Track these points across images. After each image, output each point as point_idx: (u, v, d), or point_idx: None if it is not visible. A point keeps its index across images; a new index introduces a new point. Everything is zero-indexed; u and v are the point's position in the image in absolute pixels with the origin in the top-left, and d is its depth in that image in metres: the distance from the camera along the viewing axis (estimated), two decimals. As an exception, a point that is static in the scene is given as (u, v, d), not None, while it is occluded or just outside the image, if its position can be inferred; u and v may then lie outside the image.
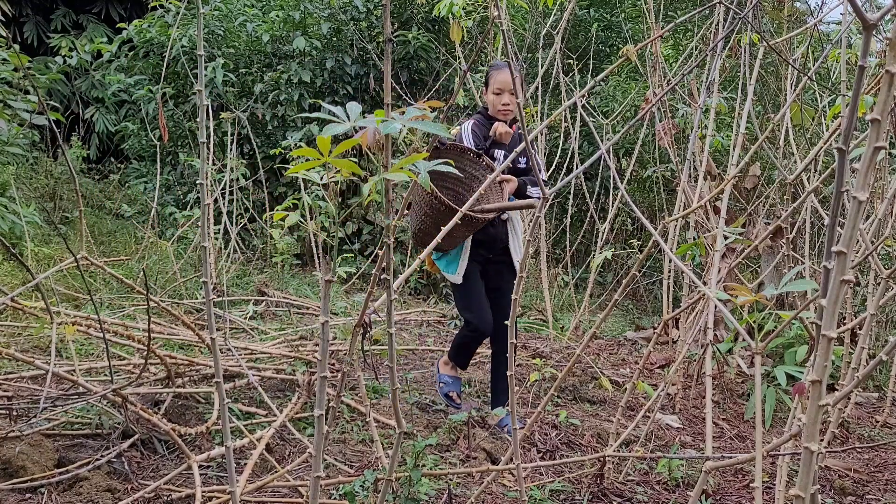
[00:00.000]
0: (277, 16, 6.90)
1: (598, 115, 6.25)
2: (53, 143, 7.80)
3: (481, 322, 3.16)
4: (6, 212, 4.86)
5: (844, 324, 3.54)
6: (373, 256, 6.41)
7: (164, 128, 3.72)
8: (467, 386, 3.88)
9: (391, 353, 1.49)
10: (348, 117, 1.15)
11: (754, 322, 1.96)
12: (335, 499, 2.49)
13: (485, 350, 4.52)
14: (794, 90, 3.32)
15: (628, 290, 2.50)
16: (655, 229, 5.42)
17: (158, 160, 6.62)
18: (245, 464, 2.52)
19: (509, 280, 3.19)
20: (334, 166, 1.18)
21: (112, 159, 9.00)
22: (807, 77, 2.95)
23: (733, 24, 2.68)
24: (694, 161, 4.42)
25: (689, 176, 4.73)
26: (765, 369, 3.73)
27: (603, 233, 5.45)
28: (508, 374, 1.69)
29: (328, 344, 1.30)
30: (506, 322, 2.99)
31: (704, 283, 3.46)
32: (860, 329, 3.83)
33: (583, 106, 5.22)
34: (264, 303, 5.20)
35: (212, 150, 5.64)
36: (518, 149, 2.20)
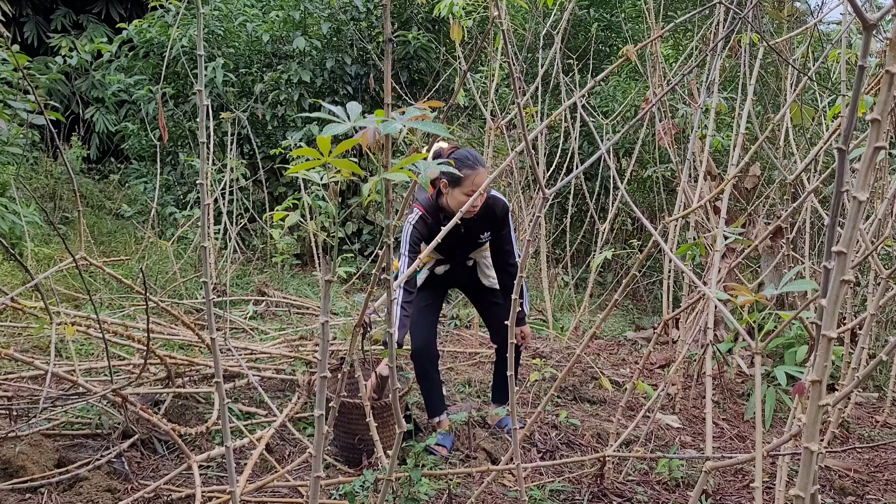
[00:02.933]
0: (277, 16, 6.90)
1: (598, 115, 6.25)
2: (53, 143, 7.80)
3: (417, 350, 3.04)
4: (6, 212, 4.86)
5: (844, 324, 3.54)
6: (373, 256, 6.41)
7: (163, 128, 3.72)
8: (467, 386, 3.88)
9: (391, 353, 1.49)
10: (348, 117, 1.15)
11: (754, 322, 1.96)
12: (335, 499, 2.49)
13: (484, 350, 4.52)
14: (794, 90, 3.32)
15: (628, 290, 2.50)
16: (655, 229, 5.42)
17: (158, 160, 6.62)
18: (245, 464, 2.52)
19: (487, 291, 3.20)
20: (334, 166, 1.18)
21: (112, 159, 9.00)
22: (807, 77, 2.95)
23: (733, 25, 2.68)
24: (694, 161, 4.42)
25: (689, 176, 4.73)
26: (765, 369, 3.73)
27: (603, 233, 5.45)
28: (508, 374, 1.69)
29: (328, 344, 1.30)
30: (506, 322, 2.99)
31: (704, 283, 3.46)
32: (860, 329, 3.83)
33: (583, 106, 5.22)
34: (264, 303, 5.20)
35: (212, 150, 5.64)
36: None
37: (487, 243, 3.10)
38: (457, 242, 2.97)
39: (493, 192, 2.98)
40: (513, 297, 1.66)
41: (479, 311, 3.39)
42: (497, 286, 3.17)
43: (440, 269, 3.13)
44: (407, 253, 2.90)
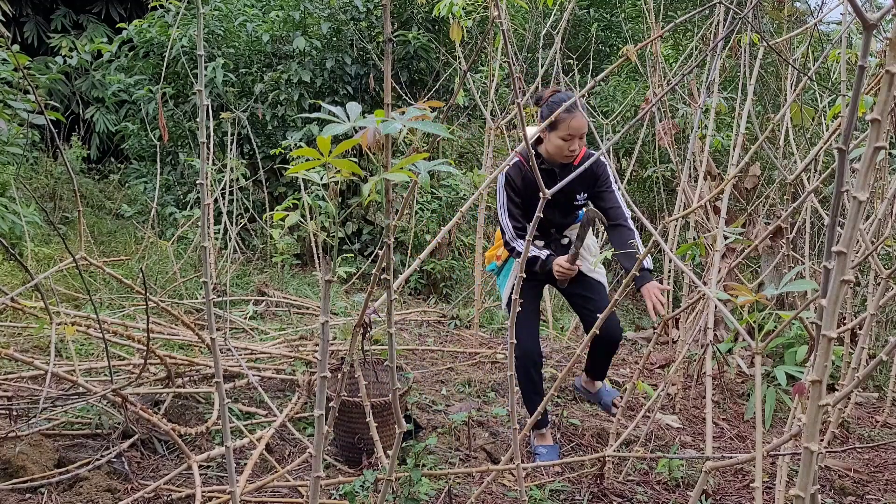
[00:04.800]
0: (277, 16, 6.90)
1: (598, 115, 6.25)
2: (53, 143, 7.80)
3: (524, 345, 2.90)
4: (6, 212, 4.86)
5: (844, 324, 3.53)
6: (373, 256, 6.41)
7: (164, 128, 3.72)
8: (467, 386, 3.88)
9: (391, 353, 1.49)
10: (348, 117, 1.15)
11: (754, 322, 1.96)
12: (335, 499, 2.49)
13: (484, 350, 4.52)
14: (794, 90, 3.33)
15: (628, 290, 2.50)
16: (655, 229, 5.42)
17: (158, 160, 6.62)
18: (245, 464, 2.52)
19: (587, 283, 2.97)
20: (334, 166, 1.18)
21: (112, 159, 9.00)
22: (807, 77, 2.95)
23: (733, 25, 2.68)
24: (694, 161, 4.42)
25: (689, 176, 4.73)
26: (765, 369, 3.73)
27: (603, 233, 5.45)
28: (510, 373, 1.69)
29: (328, 344, 1.30)
30: (598, 315, 2.81)
31: (704, 283, 3.46)
32: (860, 329, 3.83)
33: (583, 106, 5.22)
34: (264, 303, 5.20)
35: (212, 150, 5.64)
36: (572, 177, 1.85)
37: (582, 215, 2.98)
38: (553, 203, 2.83)
39: (591, 150, 2.87)
40: (513, 296, 1.66)
41: (572, 304, 3.12)
42: (597, 277, 2.99)
43: (538, 245, 2.94)
44: (505, 203, 2.84)
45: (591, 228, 2.86)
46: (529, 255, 2.85)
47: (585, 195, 2.92)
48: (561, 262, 2.79)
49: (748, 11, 2.58)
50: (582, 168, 1.90)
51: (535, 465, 2.75)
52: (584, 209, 2.88)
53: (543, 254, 2.87)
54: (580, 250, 2.87)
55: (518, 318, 2.97)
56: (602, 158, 2.84)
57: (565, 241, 3.02)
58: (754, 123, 4.25)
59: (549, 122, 2.67)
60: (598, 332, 3.00)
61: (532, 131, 2.95)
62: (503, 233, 2.90)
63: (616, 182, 2.89)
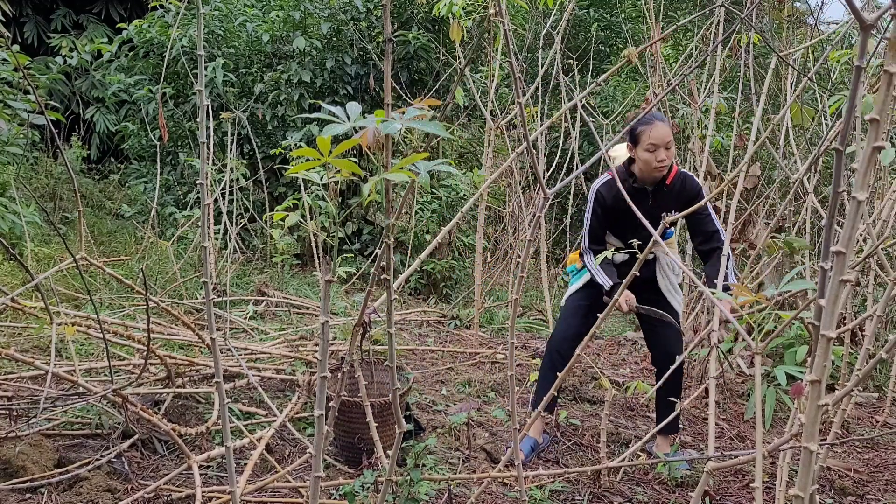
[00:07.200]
0: (277, 16, 6.90)
1: (598, 115, 6.25)
2: (53, 143, 7.80)
3: (553, 338, 3.06)
4: (6, 212, 4.86)
5: (845, 324, 3.54)
6: (373, 256, 6.41)
7: (164, 128, 3.72)
8: (467, 386, 3.88)
9: (391, 353, 1.49)
10: (348, 117, 1.15)
11: (754, 322, 1.96)
12: (335, 499, 2.49)
13: (484, 350, 4.52)
14: (795, 90, 3.33)
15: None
16: (655, 229, 5.41)
17: (158, 160, 6.62)
18: (245, 464, 2.52)
19: (660, 298, 2.98)
20: (334, 166, 1.18)
21: (112, 159, 9.00)
22: (807, 78, 2.95)
23: (734, 26, 2.68)
24: (694, 161, 4.42)
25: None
26: (765, 369, 3.73)
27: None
28: (509, 373, 1.69)
29: (328, 344, 1.30)
30: (668, 351, 2.92)
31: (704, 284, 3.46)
32: (860, 329, 3.83)
33: (583, 106, 5.22)
34: (264, 303, 5.20)
35: (212, 150, 5.64)
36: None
37: (671, 237, 3.01)
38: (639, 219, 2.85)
39: (684, 171, 2.85)
40: (514, 296, 1.66)
41: (643, 328, 3.12)
42: (673, 303, 3.00)
43: (619, 258, 2.94)
44: (589, 215, 2.89)
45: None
46: (598, 279, 2.88)
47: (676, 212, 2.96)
48: (621, 301, 2.81)
49: (748, 12, 2.58)
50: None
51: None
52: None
53: (607, 283, 2.88)
54: (664, 266, 2.95)
55: (566, 311, 3.05)
56: (697, 179, 2.86)
57: (650, 254, 2.96)
58: (759, 126, 4.26)
59: (620, 136, 2.73)
60: (655, 348, 3.06)
61: (620, 151, 2.94)
62: (581, 241, 2.97)
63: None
